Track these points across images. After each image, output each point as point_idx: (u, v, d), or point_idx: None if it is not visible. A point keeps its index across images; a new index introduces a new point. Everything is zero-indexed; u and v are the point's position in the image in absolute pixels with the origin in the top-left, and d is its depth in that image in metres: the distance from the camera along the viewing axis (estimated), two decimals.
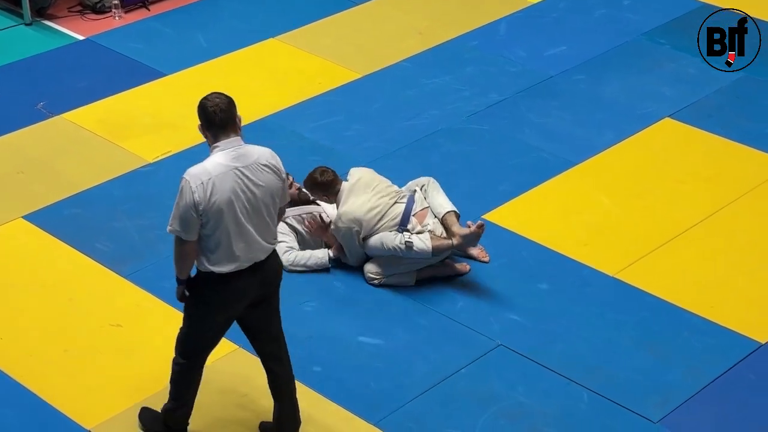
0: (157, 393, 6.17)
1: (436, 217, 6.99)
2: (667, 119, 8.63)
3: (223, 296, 5.45)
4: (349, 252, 6.99)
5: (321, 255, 7.06)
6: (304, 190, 7.23)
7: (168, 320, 6.69)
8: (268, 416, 6.03)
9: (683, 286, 6.98)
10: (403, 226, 6.89)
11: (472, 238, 6.86)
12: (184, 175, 5.31)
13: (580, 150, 8.25)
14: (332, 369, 6.36)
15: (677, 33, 9.74)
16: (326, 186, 7.02)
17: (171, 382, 5.76)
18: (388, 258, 6.89)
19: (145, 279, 6.98)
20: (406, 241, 6.78)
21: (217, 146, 5.34)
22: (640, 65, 9.31)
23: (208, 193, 5.23)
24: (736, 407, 6.14)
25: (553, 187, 7.90)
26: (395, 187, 7.10)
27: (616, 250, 7.29)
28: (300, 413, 5.87)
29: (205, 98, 5.36)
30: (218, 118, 5.31)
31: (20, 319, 6.72)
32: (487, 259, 7.09)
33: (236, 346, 6.49)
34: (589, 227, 7.50)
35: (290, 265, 7.03)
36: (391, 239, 6.83)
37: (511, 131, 8.47)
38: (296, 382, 6.21)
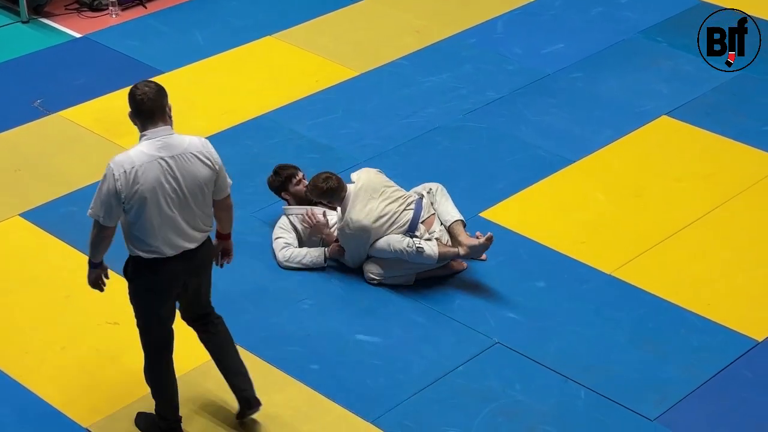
0: None
1: (442, 224, 6.97)
2: (665, 117, 8.63)
3: (159, 279, 5.52)
4: (351, 256, 6.96)
5: (317, 254, 7.05)
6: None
7: None
8: (267, 412, 6.03)
9: (680, 284, 6.98)
10: (411, 232, 6.87)
11: (480, 250, 6.84)
12: (110, 162, 5.39)
13: (577, 148, 8.25)
14: (330, 367, 6.36)
15: (674, 31, 9.74)
16: (331, 193, 6.91)
17: (148, 380, 5.80)
18: (390, 260, 6.87)
19: None
20: (417, 247, 6.73)
21: (145, 135, 5.42)
22: (638, 63, 9.32)
23: (131, 182, 5.30)
24: (733, 405, 6.15)
25: (551, 184, 7.90)
26: (403, 192, 7.03)
27: (613, 247, 7.29)
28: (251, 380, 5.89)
29: (135, 86, 5.44)
30: (146, 106, 5.38)
31: (17, 316, 6.71)
32: (484, 257, 7.09)
33: None
34: (586, 225, 7.50)
35: (285, 261, 7.03)
36: (399, 241, 6.79)
37: (508, 129, 8.47)
38: (294, 380, 6.23)
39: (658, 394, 6.19)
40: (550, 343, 6.53)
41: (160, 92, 5.44)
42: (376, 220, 6.81)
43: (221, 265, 5.85)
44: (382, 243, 6.83)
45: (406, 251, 6.76)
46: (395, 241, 6.80)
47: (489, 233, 6.83)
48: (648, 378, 6.30)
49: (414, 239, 6.79)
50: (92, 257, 5.53)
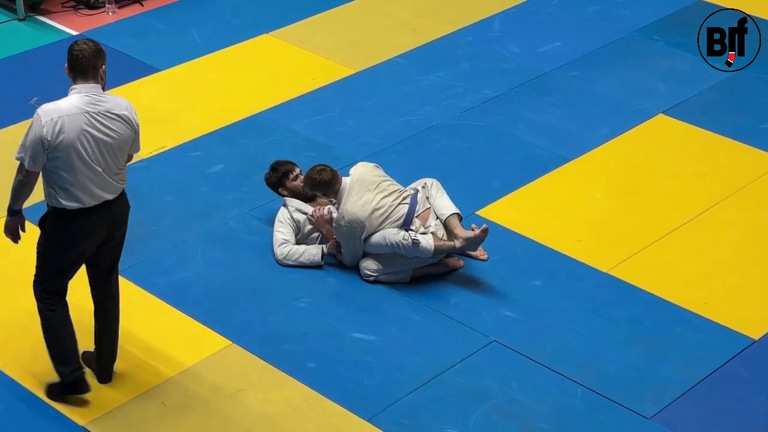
0: (151, 389, 6.18)
1: (438, 218, 6.97)
2: (661, 115, 8.64)
3: (73, 233, 5.70)
4: (347, 252, 6.96)
5: (314, 252, 7.05)
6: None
7: (161, 316, 6.69)
8: (264, 410, 6.04)
9: (676, 282, 6.99)
10: (406, 226, 6.87)
11: (476, 242, 6.84)
12: (38, 110, 5.64)
13: (573, 146, 8.26)
14: (326, 365, 6.36)
15: (671, 29, 9.75)
16: (325, 185, 6.94)
17: (46, 338, 5.92)
18: (387, 256, 6.87)
19: (139, 275, 6.98)
20: (412, 239, 6.74)
21: (75, 88, 5.74)
22: (634, 62, 9.32)
23: (56, 131, 5.57)
24: (730, 403, 6.15)
25: (547, 183, 7.90)
26: (399, 186, 7.04)
27: (609, 246, 7.29)
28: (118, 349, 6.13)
29: (75, 41, 5.73)
30: (80, 63, 5.67)
31: (14, 314, 6.70)
32: (485, 257, 7.07)
33: (229, 342, 6.49)
34: (583, 223, 7.51)
35: (283, 258, 7.03)
36: (394, 235, 6.80)
37: (505, 127, 8.47)
38: (290, 378, 6.23)
39: (654, 392, 6.20)
40: (546, 342, 6.53)
41: (97, 54, 5.69)
42: (371, 212, 6.81)
43: None
44: (377, 237, 6.84)
45: (402, 244, 6.76)
46: (391, 234, 6.80)
47: (484, 225, 6.84)
48: (645, 376, 6.31)
49: (409, 232, 6.79)
50: (12, 204, 5.75)
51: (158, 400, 6.11)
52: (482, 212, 7.53)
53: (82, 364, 6.03)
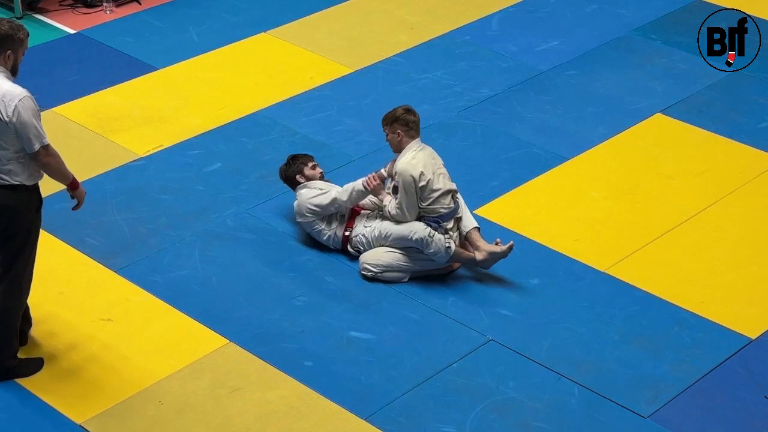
0: (148, 387, 6.18)
1: (459, 230, 6.99)
2: (659, 115, 8.64)
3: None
4: (407, 200, 6.83)
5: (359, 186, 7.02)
6: (325, 177, 7.30)
7: (159, 314, 6.69)
8: (261, 409, 6.04)
9: (674, 281, 6.99)
10: (443, 220, 6.88)
11: (498, 257, 6.85)
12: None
13: (571, 145, 8.26)
14: (323, 363, 6.37)
15: (669, 29, 9.75)
16: (408, 123, 6.91)
17: (12, 317, 6.06)
18: (394, 252, 6.87)
19: (136, 273, 6.98)
20: (446, 246, 6.77)
21: None
22: (632, 61, 9.32)
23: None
24: (726, 402, 6.16)
25: (545, 182, 7.90)
26: (456, 186, 7.08)
27: (606, 245, 7.30)
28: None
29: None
30: None
31: None
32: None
33: (226, 341, 6.49)
34: (580, 222, 7.51)
35: (347, 199, 7.03)
36: (423, 229, 6.81)
37: (502, 126, 8.47)
38: (288, 376, 6.23)
39: (651, 391, 6.20)
40: (543, 340, 6.54)
41: (3, 39, 5.69)
42: (438, 169, 6.86)
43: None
44: (404, 229, 6.83)
45: (426, 240, 6.76)
46: (419, 229, 6.80)
47: (511, 242, 6.83)
48: (641, 375, 6.31)
49: (445, 236, 6.81)
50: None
51: (156, 398, 6.12)
52: (480, 211, 7.53)
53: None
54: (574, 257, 7.17)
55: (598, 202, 7.72)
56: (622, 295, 6.88)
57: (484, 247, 6.88)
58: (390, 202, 6.95)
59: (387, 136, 7.02)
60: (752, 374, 6.33)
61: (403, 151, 6.94)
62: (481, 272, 7.04)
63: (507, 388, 6.22)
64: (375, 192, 7.05)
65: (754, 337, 6.58)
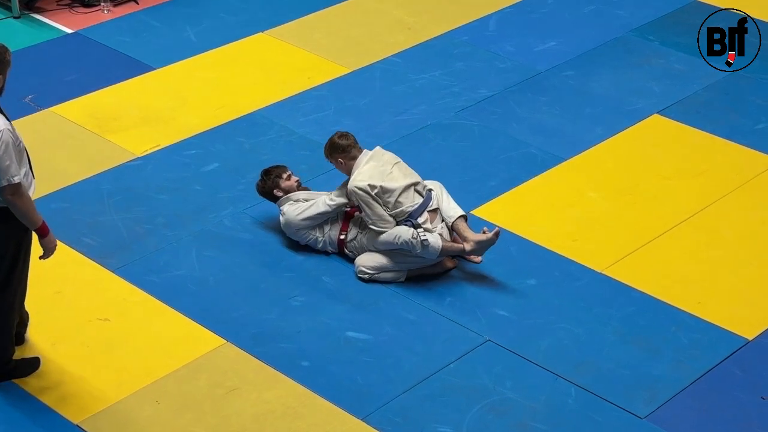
0: (145, 387, 6.18)
1: (444, 221, 6.96)
2: (656, 115, 8.64)
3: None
4: (372, 212, 6.84)
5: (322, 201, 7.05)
6: (303, 185, 7.26)
7: (156, 314, 6.68)
8: (258, 409, 6.04)
9: (671, 282, 6.99)
10: (413, 217, 6.86)
11: (486, 245, 6.84)
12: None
13: (569, 146, 8.26)
14: (320, 364, 6.36)
15: (666, 29, 9.76)
16: (343, 149, 6.97)
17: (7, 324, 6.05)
18: (387, 253, 6.86)
19: (133, 273, 6.98)
20: (422, 239, 6.75)
21: None
22: (630, 61, 9.33)
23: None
24: (723, 403, 6.16)
25: (542, 182, 7.91)
26: (417, 175, 7.06)
27: (604, 245, 7.30)
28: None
29: None
30: None
31: None
32: (479, 259, 7.07)
33: (223, 341, 6.49)
34: (578, 223, 7.51)
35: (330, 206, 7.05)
36: (406, 232, 6.80)
37: (500, 127, 8.47)
38: (285, 377, 6.24)
39: (648, 392, 6.20)
40: (540, 341, 6.54)
41: None
42: (387, 175, 6.85)
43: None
44: (389, 236, 6.83)
45: (412, 242, 6.76)
46: (403, 232, 6.79)
47: (496, 228, 6.83)
48: (638, 376, 6.31)
49: (419, 230, 6.78)
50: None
51: (152, 398, 6.11)
52: (477, 211, 7.53)
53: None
54: (571, 258, 7.17)
55: (596, 203, 7.72)
56: (620, 295, 6.89)
57: (471, 237, 6.85)
58: (367, 221, 6.95)
59: (335, 167, 7.09)
60: (749, 375, 6.33)
61: (352, 171, 6.96)
62: (479, 272, 7.04)
63: (504, 388, 6.22)
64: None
65: (751, 338, 6.58)
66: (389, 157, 7.06)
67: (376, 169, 6.92)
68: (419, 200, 6.92)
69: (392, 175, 6.92)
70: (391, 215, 6.87)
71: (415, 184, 6.98)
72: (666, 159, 8.17)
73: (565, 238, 7.34)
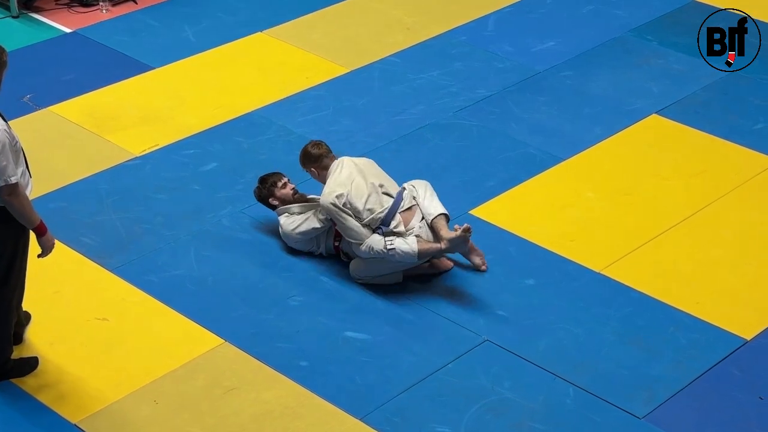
0: (143, 387, 6.18)
1: (424, 219, 6.89)
2: (654, 116, 8.65)
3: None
4: (345, 226, 6.80)
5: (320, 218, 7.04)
6: (299, 192, 7.24)
7: (154, 314, 6.68)
8: (256, 409, 6.04)
9: (669, 282, 7.00)
10: (385, 224, 6.82)
11: (459, 242, 6.76)
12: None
13: (567, 146, 8.26)
14: (319, 364, 6.36)
15: (665, 29, 9.76)
16: (315, 158, 6.97)
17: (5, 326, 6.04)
18: (375, 260, 6.85)
19: (131, 273, 6.97)
20: (388, 247, 6.70)
21: None
22: (628, 61, 9.33)
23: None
24: (722, 403, 6.16)
25: (541, 182, 7.91)
26: (390, 180, 7.02)
27: (602, 245, 7.30)
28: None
29: None
30: None
31: None
32: (485, 268, 7.03)
33: (222, 341, 6.49)
34: (576, 223, 7.51)
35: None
36: (378, 242, 6.76)
37: (498, 127, 8.47)
38: (283, 377, 6.23)
39: (646, 392, 6.21)
40: (539, 341, 6.54)
41: None
42: (352, 183, 6.79)
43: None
44: (363, 249, 6.78)
45: (383, 252, 6.72)
46: (375, 242, 6.74)
47: (465, 224, 6.72)
48: (637, 376, 6.31)
49: (387, 238, 6.75)
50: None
51: (151, 398, 6.11)
52: (475, 212, 7.53)
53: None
54: (569, 258, 7.17)
55: (594, 203, 7.72)
56: (618, 295, 6.89)
57: (444, 235, 6.72)
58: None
59: (310, 176, 7.10)
60: (747, 375, 6.34)
61: (326, 180, 6.93)
62: (477, 272, 7.03)
63: (502, 388, 6.22)
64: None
65: (749, 338, 6.58)
66: (355, 163, 6.96)
67: (344, 176, 6.85)
68: (389, 203, 6.87)
69: (356, 182, 6.85)
70: (365, 224, 6.80)
71: (381, 186, 6.89)
72: (664, 159, 8.17)
73: (563, 238, 7.35)
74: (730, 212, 7.62)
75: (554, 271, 7.08)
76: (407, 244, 6.71)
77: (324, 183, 6.93)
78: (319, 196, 7.09)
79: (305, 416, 6.03)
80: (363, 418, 6.03)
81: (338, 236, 7.04)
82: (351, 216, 6.77)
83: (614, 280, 7.00)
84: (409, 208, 6.89)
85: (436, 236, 6.78)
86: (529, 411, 6.08)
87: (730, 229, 7.47)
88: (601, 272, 7.07)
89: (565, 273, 7.06)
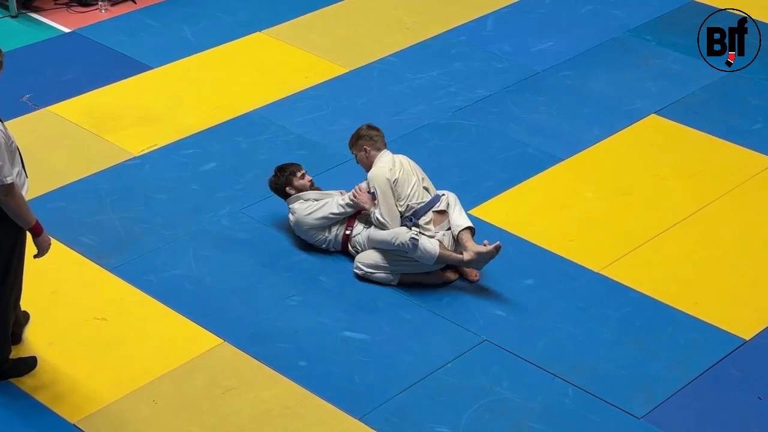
0: (142, 387, 6.17)
1: (449, 229, 6.93)
2: (653, 116, 8.65)
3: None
4: (384, 203, 6.89)
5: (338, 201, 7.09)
6: (315, 184, 7.29)
7: (153, 314, 6.68)
8: (255, 408, 6.04)
9: (668, 282, 7.00)
10: (417, 215, 6.87)
11: (486, 258, 6.80)
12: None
13: (566, 146, 8.26)
14: (318, 363, 6.36)
15: (664, 30, 9.76)
16: (371, 138, 7.10)
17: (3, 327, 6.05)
18: (386, 253, 6.86)
19: (130, 272, 6.97)
20: (413, 238, 6.74)
21: None
22: (627, 61, 9.33)
23: None
24: (721, 403, 6.16)
25: (540, 182, 7.91)
26: (431, 183, 7.14)
27: (601, 245, 7.30)
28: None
29: None
30: None
31: None
32: (476, 278, 7.02)
33: (221, 340, 6.48)
34: (575, 223, 7.52)
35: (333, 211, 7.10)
36: (404, 234, 6.79)
37: (497, 126, 8.47)
38: (282, 376, 6.23)
39: (645, 392, 6.21)
40: (538, 341, 6.54)
41: None
42: (400, 169, 6.95)
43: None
44: (387, 234, 6.83)
45: (407, 245, 6.75)
46: (401, 232, 6.80)
47: (497, 242, 6.77)
48: (635, 376, 6.31)
49: (413, 229, 6.79)
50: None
51: (149, 397, 6.11)
52: (474, 211, 7.53)
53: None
54: (568, 258, 7.18)
55: (593, 203, 7.72)
56: (617, 295, 6.89)
57: (471, 248, 6.82)
58: (374, 212, 6.97)
59: (356, 157, 7.18)
60: (746, 375, 6.34)
61: (373, 164, 7.05)
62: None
63: (501, 388, 6.22)
64: (362, 204, 7.04)
65: (748, 338, 6.58)
66: (411, 164, 7.13)
67: (398, 163, 7.02)
68: (427, 198, 6.94)
69: (405, 169, 7.01)
70: (400, 211, 6.89)
71: (423, 180, 7.06)
72: (663, 159, 8.17)
73: (562, 238, 7.35)
74: (728, 212, 7.62)
75: (553, 271, 7.08)
76: (431, 244, 6.75)
77: (368, 168, 7.06)
78: (335, 191, 7.18)
79: (304, 416, 6.03)
80: (362, 418, 6.03)
81: (350, 224, 7.06)
82: (394, 197, 6.91)
83: (613, 280, 7.00)
84: (442, 211, 6.97)
85: (460, 248, 6.85)
86: (528, 411, 6.08)
87: (729, 229, 7.48)
88: (600, 272, 7.07)
89: (564, 273, 7.06)
